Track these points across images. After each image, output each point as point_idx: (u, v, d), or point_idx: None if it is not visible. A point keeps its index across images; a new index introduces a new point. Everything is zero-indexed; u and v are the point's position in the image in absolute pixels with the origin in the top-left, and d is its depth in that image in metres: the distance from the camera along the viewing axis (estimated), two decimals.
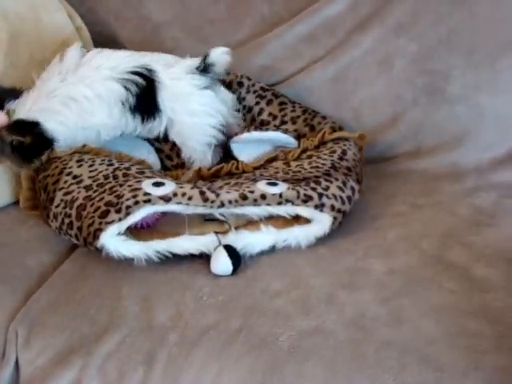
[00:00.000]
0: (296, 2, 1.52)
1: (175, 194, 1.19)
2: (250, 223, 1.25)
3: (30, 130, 1.29)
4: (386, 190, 1.40)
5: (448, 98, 1.43)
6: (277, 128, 1.47)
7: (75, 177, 1.26)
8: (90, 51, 1.37)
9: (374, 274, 1.14)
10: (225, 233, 1.22)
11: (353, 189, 1.28)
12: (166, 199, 1.18)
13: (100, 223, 1.16)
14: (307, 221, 1.23)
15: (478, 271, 1.13)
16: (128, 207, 1.16)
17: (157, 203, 1.18)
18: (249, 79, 1.53)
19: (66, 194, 1.23)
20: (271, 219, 1.24)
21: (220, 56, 1.37)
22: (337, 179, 1.27)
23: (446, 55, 1.42)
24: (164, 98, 1.35)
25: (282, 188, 1.23)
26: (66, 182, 1.25)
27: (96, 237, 1.16)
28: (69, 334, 1.10)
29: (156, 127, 1.38)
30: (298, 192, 1.22)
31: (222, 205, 1.20)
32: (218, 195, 1.20)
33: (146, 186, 1.20)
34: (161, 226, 1.25)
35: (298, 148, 1.40)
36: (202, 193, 1.20)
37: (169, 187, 1.20)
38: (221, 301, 1.11)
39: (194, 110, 1.38)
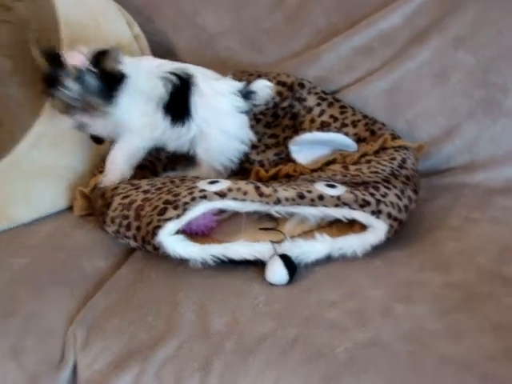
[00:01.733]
0: (352, 14, 1.53)
1: (230, 189, 1.20)
2: (304, 232, 1.25)
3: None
4: (439, 203, 1.39)
5: (505, 112, 1.42)
6: (338, 130, 1.47)
7: (134, 184, 1.29)
8: None
9: (430, 287, 1.13)
10: (280, 242, 1.22)
11: (410, 198, 1.28)
12: (221, 194, 1.20)
13: (158, 220, 1.18)
14: (362, 229, 1.23)
15: None
16: (185, 203, 1.19)
17: (213, 199, 1.19)
18: (309, 82, 1.53)
19: (124, 197, 1.26)
20: (326, 228, 1.24)
21: (263, 87, 1.39)
22: (395, 187, 1.27)
23: (504, 68, 1.42)
24: (197, 104, 1.35)
25: (340, 190, 1.23)
26: (124, 188, 1.29)
27: (154, 234, 1.18)
28: (126, 338, 1.11)
29: (184, 135, 1.37)
30: (356, 196, 1.22)
31: (279, 201, 1.20)
32: (275, 191, 1.21)
33: (202, 184, 1.23)
34: (216, 234, 1.27)
35: (357, 152, 1.40)
36: (256, 187, 1.21)
37: (224, 183, 1.22)
38: (276, 309, 1.11)
39: (227, 130, 1.38)
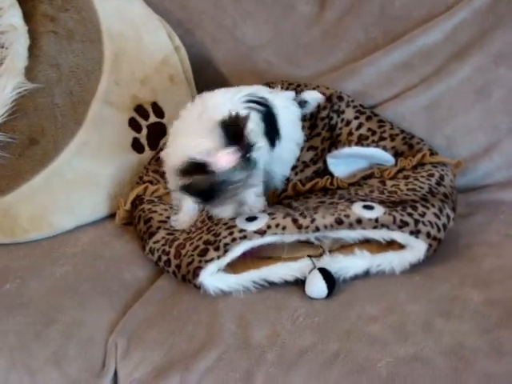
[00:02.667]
0: (392, 29, 1.53)
1: (269, 227, 1.21)
2: (343, 247, 1.25)
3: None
4: (477, 220, 1.38)
5: None
6: (376, 144, 1.47)
7: None
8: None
9: (470, 303, 1.13)
10: (319, 256, 1.23)
11: (448, 216, 1.27)
12: (260, 233, 1.20)
13: (200, 261, 1.19)
14: (402, 246, 1.22)
15: None
16: (226, 245, 1.20)
17: (253, 238, 1.20)
18: (348, 96, 1.53)
19: (169, 233, 1.29)
20: (365, 243, 1.24)
21: (314, 98, 1.42)
22: (433, 205, 1.27)
23: None
24: (280, 123, 1.35)
25: (378, 212, 1.23)
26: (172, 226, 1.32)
27: (196, 275, 1.19)
28: (167, 348, 1.12)
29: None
30: (395, 217, 1.22)
31: (317, 229, 1.21)
32: (313, 220, 1.21)
33: (240, 222, 1.23)
34: (258, 252, 1.26)
35: (395, 166, 1.40)
36: (294, 221, 1.21)
37: (262, 220, 1.22)
38: (316, 323, 1.12)
39: (293, 138, 1.40)
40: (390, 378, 1.01)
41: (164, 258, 1.25)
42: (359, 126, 1.49)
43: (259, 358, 1.07)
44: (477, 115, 1.47)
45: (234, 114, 1.17)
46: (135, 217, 1.36)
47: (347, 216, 1.22)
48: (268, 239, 1.21)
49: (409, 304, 1.14)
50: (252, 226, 1.21)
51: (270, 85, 1.54)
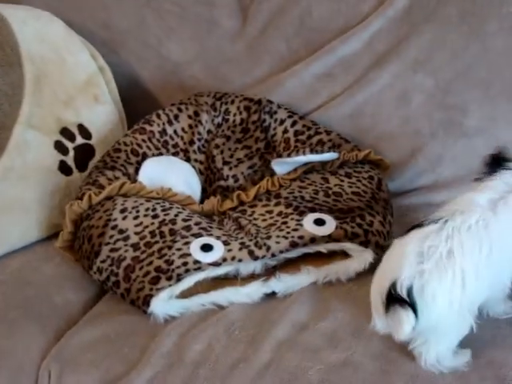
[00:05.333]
0: (313, 40, 1.55)
1: (225, 259, 1.20)
2: (289, 266, 1.26)
3: None
4: (407, 223, 1.39)
5: (465, 132, 1.44)
6: (311, 137, 1.48)
7: (121, 231, 1.25)
8: None
9: None
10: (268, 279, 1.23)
11: (390, 223, 1.31)
12: (216, 265, 1.20)
13: (151, 289, 1.17)
14: (347, 255, 1.25)
15: None
16: (179, 275, 1.18)
17: (207, 269, 1.19)
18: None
19: (112, 250, 1.23)
20: (310, 257, 1.25)
21: None
22: (378, 213, 1.30)
23: (462, 89, 1.44)
24: None
25: (330, 227, 1.25)
26: (111, 236, 1.25)
27: (146, 302, 1.17)
28: (102, 372, 1.11)
29: None
30: (346, 231, 1.25)
31: (273, 255, 1.23)
32: (268, 249, 1.22)
33: (195, 251, 1.21)
34: None
35: (337, 160, 1.41)
36: (250, 253, 1.21)
37: (218, 252, 1.21)
38: (251, 335, 1.12)
39: None
40: None
41: (113, 278, 1.22)
42: (294, 123, 1.51)
43: (192, 374, 1.07)
44: (399, 122, 1.49)
45: None
46: (79, 237, 1.32)
47: (301, 237, 1.24)
48: (223, 270, 1.21)
49: (340, 311, 1.15)
50: (207, 258, 1.20)
51: (197, 96, 1.56)
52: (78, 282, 1.31)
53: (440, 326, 0.97)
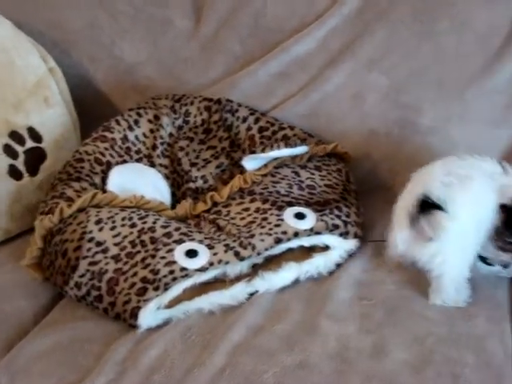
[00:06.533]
0: (267, 40, 1.54)
1: (211, 264, 1.18)
2: (270, 263, 1.25)
3: None
4: (365, 222, 1.41)
5: (420, 130, 1.46)
6: (276, 133, 1.48)
7: (99, 243, 1.22)
8: None
9: (354, 305, 1.15)
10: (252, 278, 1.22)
11: (363, 215, 1.32)
12: (203, 270, 1.18)
13: (138, 301, 1.14)
14: (325, 248, 1.25)
15: None
16: (166, 284, 1.15)
17: (194, 275, 1.17)
18: None
19: (91, 263, 1.19)
20: (289, 253, 1.25)
21: None
22: (352, 204, 1.32)
23: (416, 88, 1.45)
24: None
25: (311, 221, 1.25)
26: (89, 249, 1.21)
27: (134, 314, 1.14)
28: (54, 382, 1.08)
29: None
30: (327, 223, 1.25)
31: (259, 254, 1.22)
32: (253, 248, 1.21)
33: (180, 257, 1.18)
34: None
35: (306, 153, 1.41)
36: (236, 254, 1.20)
37: (203, 257, 1.19)
38: (208, 339, 1.11)
39: None
40: None
41: (94, 293, 1.17)
42: (257, 120, 1.52)
43: (146, 380, 1.04)
44: (354, 120, 1.50)
45: None
46: (50, 253, 1.26)
47: (284, 233, 1.23)
48: (210, 274, 1.19)
49: (298, 312, 1.15)
50: (194, 265, 1.18)
51: (155, 99, 1.55)
52: (29, 289, 1.28)
53: (460, 240, 1.11)
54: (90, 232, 1.23)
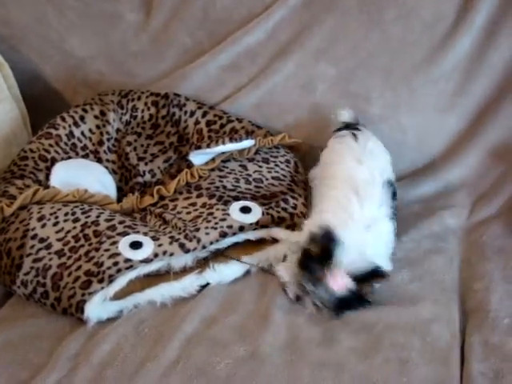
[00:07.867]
0: (217, 32, 1.54)
1: (156, 255, 1.18)
2: (221, 255, 1.26)
3: None
4: None
5: (370, 119, 1.47)
6: (224, 126, 1.49)
7: (42, 240, 1.22)
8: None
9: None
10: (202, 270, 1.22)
11: (311, 204, 1.33)
12: (147, 261, 1.18)
13: (83, 294, 1.14)
14: (275, 240, 1.26)
15: None
16: (110, 276, 1.15)
17: (139, 266, 1.17)
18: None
19: (35, 260, 1.19)
20: (239, 247, 1.26)
21: None
22: (300, 195, 1.33)
23: (364, 78, 1.47)
24: None
25: (256, 215, 1.26)
26: (32, 246, 1.21)
27: (80, 308, 1.14)
28: (5, 379, 1.07)
29: None
30: (273, 216, 1.27)
31: (204, 247, 1.22)
32: (198, 241, 1.21)
33: (124, 249, 1.19)
34: None
35: (253, 146, 1.42)
36: (181, 245, 1.20)
37: (148, 248, 1.19)
38: (160, 332, 1.11)
39: None
40: (228, 379, 1.02)
41: (40, 289, 1.17)
42: (204, 114, 1.52)
43: (99, 375, 1.05)
44: (305, 110, 1.51)
45: None
46: None
47: (230, 227, 1.24)
48: (155, 266, 1.19)
49: (251, 303, 1.16)
50: (138, 256, 1.18)
51: (102, 95, 1.54)
52: None
53: None
54: (33, 229, 1.23)
